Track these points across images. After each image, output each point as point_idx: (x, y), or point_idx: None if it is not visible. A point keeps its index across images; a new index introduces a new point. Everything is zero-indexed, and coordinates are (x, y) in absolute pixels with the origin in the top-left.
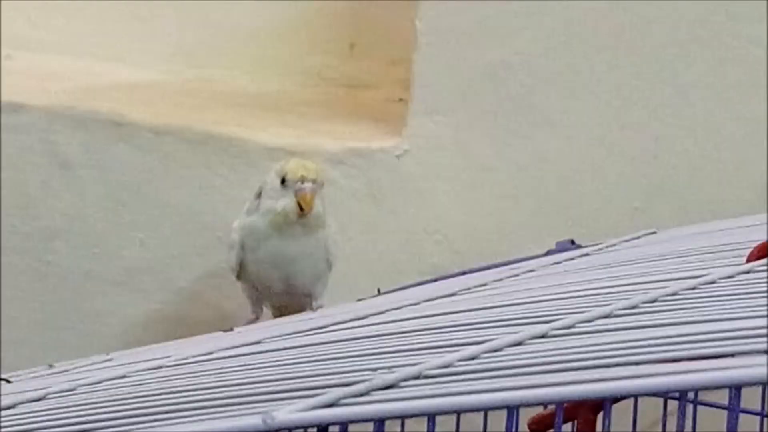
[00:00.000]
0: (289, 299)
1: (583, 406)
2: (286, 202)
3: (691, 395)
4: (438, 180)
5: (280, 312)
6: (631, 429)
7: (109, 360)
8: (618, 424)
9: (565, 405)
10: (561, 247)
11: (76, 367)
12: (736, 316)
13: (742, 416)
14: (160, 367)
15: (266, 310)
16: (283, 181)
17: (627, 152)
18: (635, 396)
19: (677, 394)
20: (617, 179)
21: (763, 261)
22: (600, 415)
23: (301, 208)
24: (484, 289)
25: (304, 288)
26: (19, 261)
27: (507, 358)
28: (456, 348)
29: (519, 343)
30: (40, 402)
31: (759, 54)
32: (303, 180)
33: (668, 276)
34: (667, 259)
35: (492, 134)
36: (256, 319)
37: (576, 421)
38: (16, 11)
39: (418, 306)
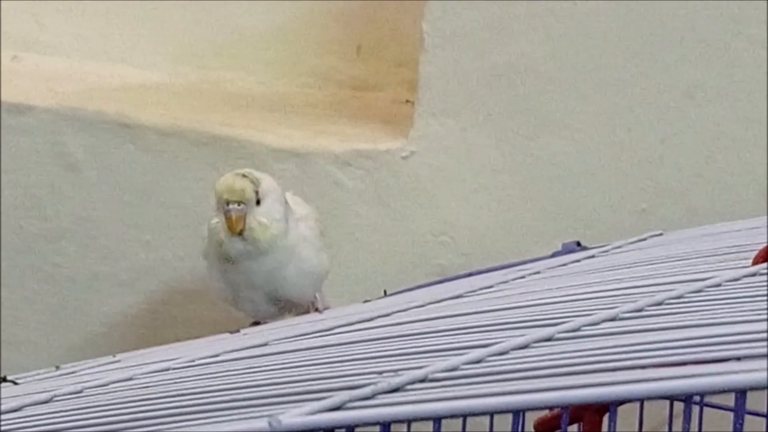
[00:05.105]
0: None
1: (588, 408)
2: (219, 223)
3: (697, 397)
4: (444, 182)
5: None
6: (637, 430)
7: (116, 362)
8: (624, 425)
9: (570, 407)
10: (567, 249)
11: (82, 369)
12: (741, 320)
13: (747, 418)
14: (167, 370)
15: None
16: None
17: (633, 154)
18: (640, 400)
19: (683, 397)
20: (624, 181)
21: None
22: (606, 417)
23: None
24: (490, 291)
25: (293, 296)
26: (26, 262)
27: (513, 361)
28: (462, 351)
29: (525, 346)
30: (46, 404)
31: (765, 56)
32: (228, 202)
33: (674, 278)
34: (672, 261)
35: (498, 136)
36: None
37: (582, 423)
38: (22, 13)
39: (424, 308)
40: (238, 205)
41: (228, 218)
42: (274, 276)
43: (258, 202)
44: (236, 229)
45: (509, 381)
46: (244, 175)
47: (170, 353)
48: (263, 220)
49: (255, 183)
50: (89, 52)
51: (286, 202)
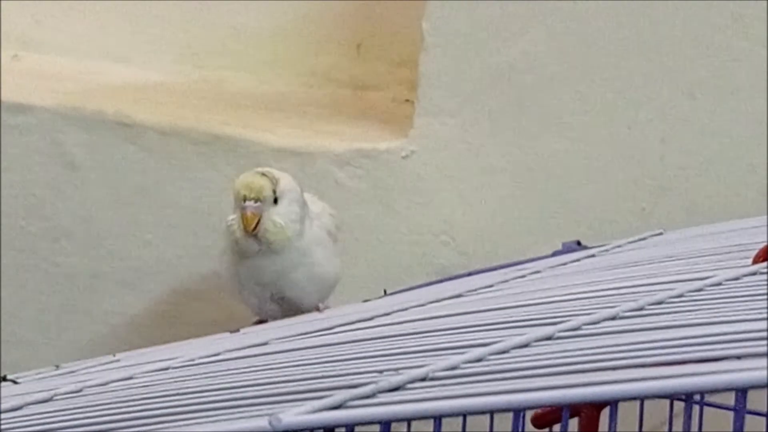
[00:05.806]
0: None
1: (586, 403)
2: (235, 220)
3: (697, 396)
4: (444, 181)
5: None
6: (637, 429)
7: (116, 361)
8: (624, 425)
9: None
10: (567, 248)
11: (82, 368)
12: (741, 319)
13: (748, 417)
14: (167, 369)
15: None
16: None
17: (634, 153)
18: (641, 399)
19: (684, 396)
20: (624, 180)
21: None
22: (604, 413)
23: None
24: (490, 291)
25: (299, 299)
26: (26, 261)
27: (513, 360)
28: (462, 350)
29: (525, 345)
30: (47, 403)
31: (765, 56)
32: (245, 199)
33: (674, 277)
34: (673, 260)
35: (498, 135)
36: (264, 321)
37: (579, 417)
38: (22, 12)
39: (424, 307)
40: (255, 202)
41: (243, 215)
42: (282, 276)
43: (275, 201)
44: (251, 226)
45: (510, 380)
46: (263, 174)
47: (170, 353)
48: (278, 220)
49: (273, 182)
50: (89, 52)
51: (305, 203)
